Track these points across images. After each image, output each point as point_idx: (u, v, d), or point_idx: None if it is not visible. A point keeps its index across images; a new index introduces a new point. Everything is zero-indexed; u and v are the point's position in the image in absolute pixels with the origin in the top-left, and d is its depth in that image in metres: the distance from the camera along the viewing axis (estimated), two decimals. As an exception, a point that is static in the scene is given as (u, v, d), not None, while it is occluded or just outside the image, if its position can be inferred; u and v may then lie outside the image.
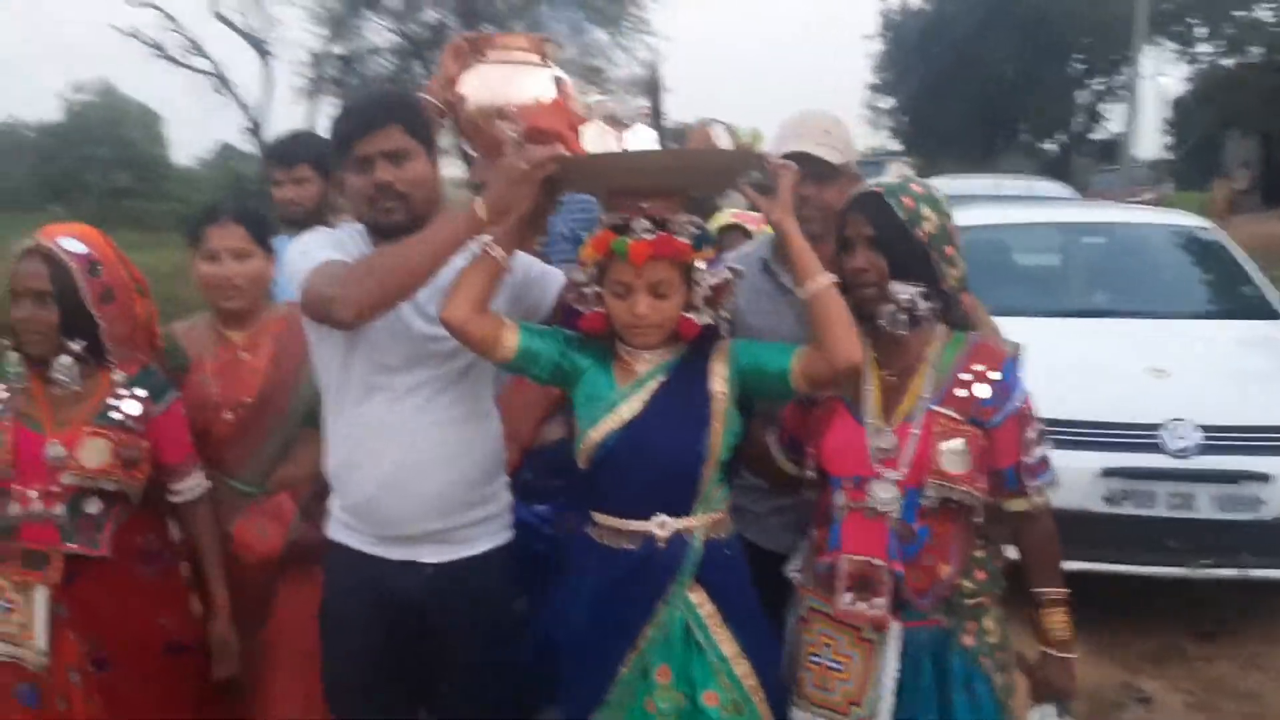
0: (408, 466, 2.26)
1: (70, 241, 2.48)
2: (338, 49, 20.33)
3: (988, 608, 2.23)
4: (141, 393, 2.53)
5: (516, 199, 2.06)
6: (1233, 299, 5.77)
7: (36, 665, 2.40)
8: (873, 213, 2.20)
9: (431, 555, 2.32)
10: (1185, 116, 36.35)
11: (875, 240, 2.18)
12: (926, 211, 2.18)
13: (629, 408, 2.14)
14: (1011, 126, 34.23)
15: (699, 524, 2.16)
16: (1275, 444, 4.31)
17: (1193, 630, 4.43)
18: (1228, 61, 29.39)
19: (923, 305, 2.17)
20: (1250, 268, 5.88)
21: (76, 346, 2.44)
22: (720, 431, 2.15)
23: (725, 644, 2.14)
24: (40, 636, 2.39)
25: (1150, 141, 37.48)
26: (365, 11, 20.27)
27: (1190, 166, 37.28)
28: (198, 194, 28.62)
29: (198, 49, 19.31)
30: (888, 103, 37.11)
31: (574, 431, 2.24)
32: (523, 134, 2.13)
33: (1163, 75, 33.62)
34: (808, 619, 2.25)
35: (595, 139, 2.15)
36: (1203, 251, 6.22)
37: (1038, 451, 2.21)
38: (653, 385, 2.16)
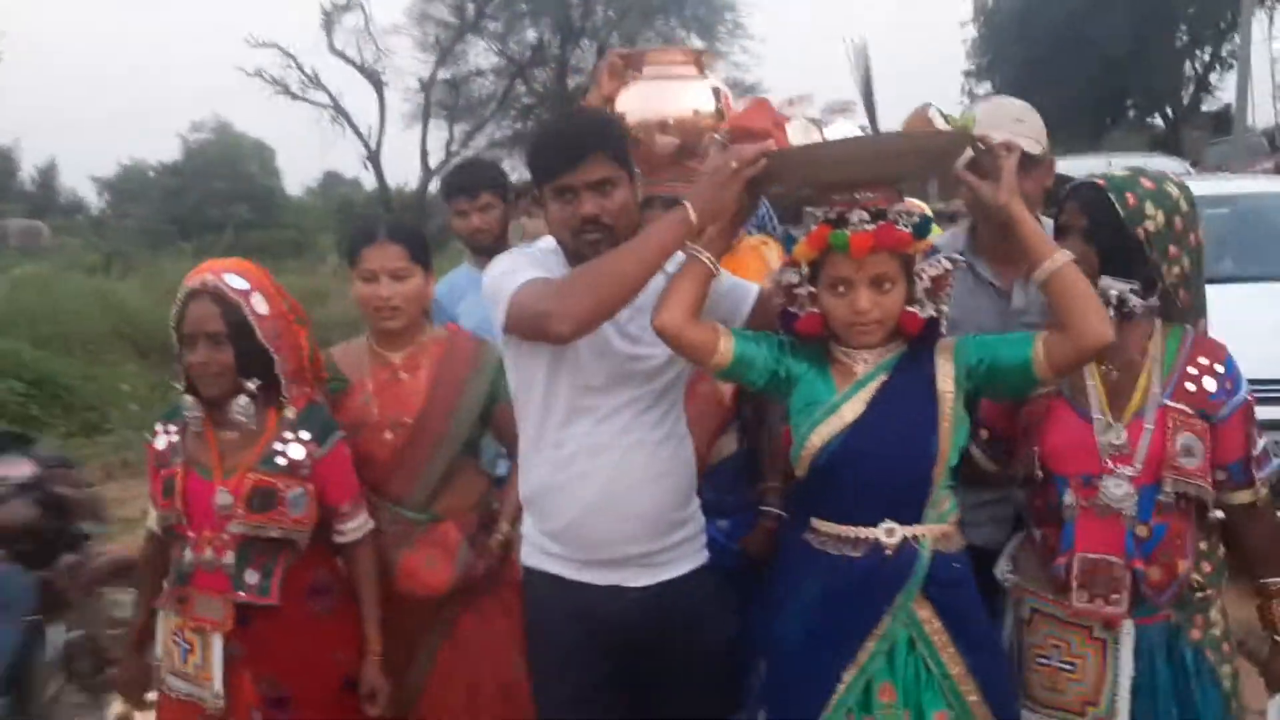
0: (615, 488, 2.21)
1: (233, 278, 2.43)
2: (444, 74, 20.75)
3: (1213, 600, 2.20)
4: (306, 435, 2.46)
5: (726, 200, 2.02)
6: None
7: (213, 707, 2.38)
8: (1089, 205, 2.16)
9: (636, 579, 2.26)
10: (1301, 83, 34.81)
11: (1088, 233, 2.14)
12: (1151, 209, 2.12)
13: (851, 410, 2.06)
14: (1118, 103, 33.15)
15: (928, 532, 2.07)
16: None
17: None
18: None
19: (1134, 301, 2.11)
20: None
21: (253, 385, 2.41)
22: (949, 432, 2.05)
23: (952, 663, 2.06)
24: (216, 679, 2.37)
25: (1264, 110, 36.03)
26: (468, 35, 20.67)
27: (1307, 137, 35.64)
28: (310, 221, 29.48)
29: (317, 83, 19.96)
30: (984, 89, 36.29)
31: (789, 440, 2.16)
32: (728, 135, 2.11)
33: (1275, 39, 32.28)
34: (1031, 621, 2.21)
35: (800, 135, 2.12)
36: None
37: (1261, 443, 2.18)
38: (874, 385, 2.07)
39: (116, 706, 2.66)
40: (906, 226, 2.00)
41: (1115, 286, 2.11)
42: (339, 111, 20.11)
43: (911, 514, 2.06)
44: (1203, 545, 2.17)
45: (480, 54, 21.40)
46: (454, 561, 2.57)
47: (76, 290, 12.13)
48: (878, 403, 2.06)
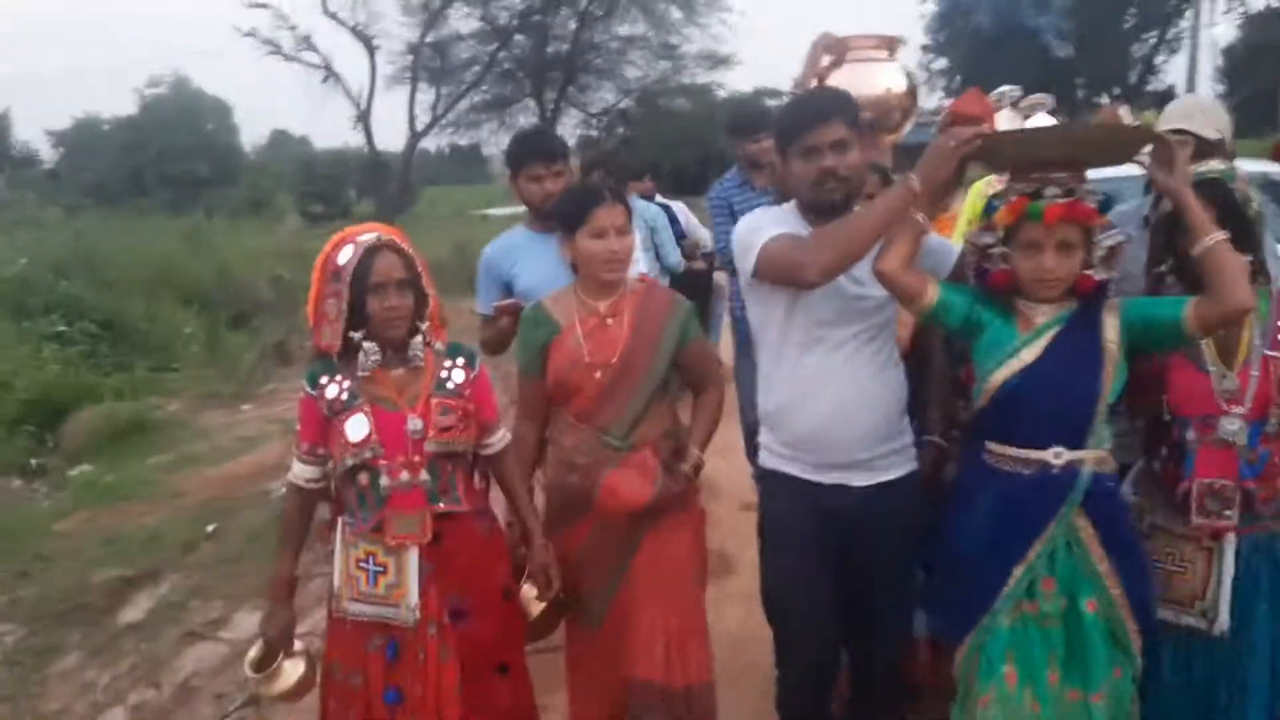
0: (846, 405, 2.65)
1: (395, 237, 2.71)
2: (430, 38, 20.74)
3: None
4: (462, 361, 2.76)
5: (944, 173, 2.38)
6: None
7: (409, 621, 2.60)
8: (1215, 196, 2.51)
9: (858, 480, 2.70)
10: (1238, 66, 36.02)
11: (1216, 221, 2.45)
12: (1252, 194, 2.54)
13: (1030, 353, 2.42)
14: (1067, 83, 33.97)
15: (1089, 456, 2.42)
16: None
17: None
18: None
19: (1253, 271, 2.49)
20: None
21: (424, 325, 2.69)
22: (1111, 376, 2.40)
23: (1099, 562, 2.43)
24: (412, 594, 2.60)
25: (1203, 91, 37.19)
26: (454, 1, 20.68)
27: (1245, 115, 36.87)
28: (267, 180, 29.31)
29: (309, 44, 19.92)
30: (940, 64, 36.98)
31: (971, 377, 2.53)
32: (949, 118, 2.48)
33: (1216, 25, 33.33)
34: (1149, 534, 2.63)
35: (1006, 122, 2.50)
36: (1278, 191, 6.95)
37: None
38: (1050, 334, 2.43)
39: (253, 652, 2.75)
40: (1092, 203, 2.37)
41: (1242, 261, 2.47)
42: (330, 73, 20.06)
43: (1076, 441, 2.41)
44: None
45: (461, 19, 21.46)
46: (654, 482, 2.84)
47: (121, 241, 12.64)
48: (1053, 348, 2.42)
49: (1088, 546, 2.43)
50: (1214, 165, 2.60)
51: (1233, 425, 2.50)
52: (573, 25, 22.06)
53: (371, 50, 20.02)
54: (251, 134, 48.13)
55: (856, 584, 2.79)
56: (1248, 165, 7.66)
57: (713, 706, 2.85)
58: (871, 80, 3.06)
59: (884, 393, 2.71)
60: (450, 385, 2.71)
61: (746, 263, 2.62)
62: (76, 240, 11.92)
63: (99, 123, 29.85)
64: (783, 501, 2.81)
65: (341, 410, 2.63)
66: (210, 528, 6.07)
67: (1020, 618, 2.46)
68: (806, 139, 2.58)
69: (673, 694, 2.77)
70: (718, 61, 24.31)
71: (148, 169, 26.38)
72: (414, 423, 2.62)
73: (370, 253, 2.62)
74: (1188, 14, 23.51)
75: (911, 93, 3.11)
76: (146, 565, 5.51)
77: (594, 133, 25.43)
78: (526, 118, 22.89)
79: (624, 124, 24.70)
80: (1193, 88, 23.57)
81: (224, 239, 15.41)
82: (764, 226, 2.61)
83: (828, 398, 2.67)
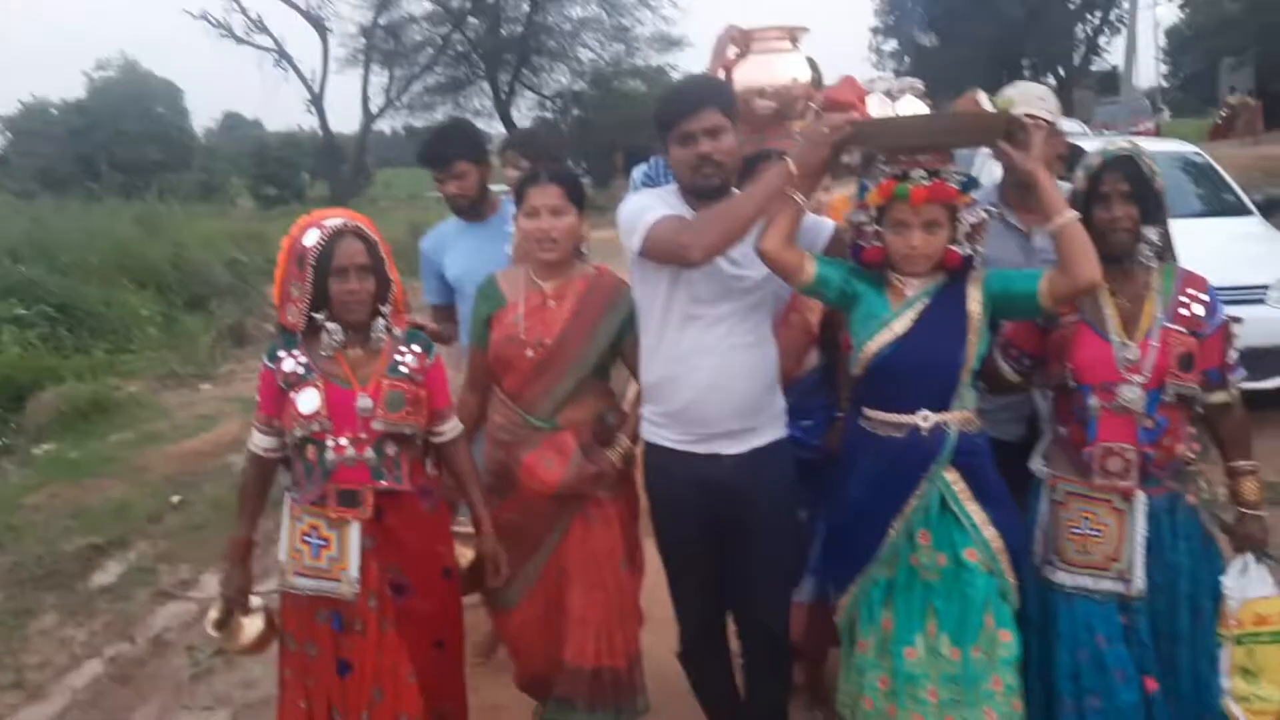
0: (719, 379, 2.80)
1: (360, 224, 2.81)
2: (382, 20, 20.77)
3: (1200, 473, 2.79)
4: (417, 348, 2.85)
5: (818, 157, 2.56)
6: (1218, 202, 7.93)
7: (350, 594, 2.72)
8: (1129, 173, 2.66)
9: (729, 448, 2.85)
10: (1180, 46, 36.81)
11: (1130, 195, 2.66)
12: (1157, 169, 2.71)
13: (901, 324, 2.61)
14: (1014, 62, 34.44)
15: (955, 418, 2.61)
16: (1251, 299, 6.32)
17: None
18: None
19: (1160, 243, 2.71)
20: (1231, 181, 8.17)
21: (386, 309, 2.81)
22: (975, 344, 2.59)
23: (975, 514, 2.61)
24: (353, 565, 2.71)
25: (1146, 71, 38.04)
26: (404, -19, 20.70)
27: (1186, 95, 37.91)
28: (220, 164, 29.14)
29: (261, 27, 19.93)
30: (890, 45, 37.42)
31: (849, 346, 2.73)
32: (823, 105, 2.65)
33: (1158, 5, 34.07)
34: (1064, 501, 2.74)
35: (876, 107, 2.67)
36: (1195, 170, 8.24)
37: (1232, 354, 2.75)
38: (920, 306, 2.61)
39: (213, 612, 2.90)
40: (955, 184, 2.58)
41: (1154, 233, 2.68)
42: (283, 56, 20.09)
43: (942, 404, 2.61)
44: (1191, 430, 2.74)
45: (414, 2, 21.47)
46: (568, 464, 2.94)
47: (76, 225, 12.78)
48: (921, 319, 2.61)
49: (961, 500, 2.63)
50: (1123, 143, 2.76)
51: (1132, 393, 2.63)
52: (525, 7, 22.20)
53: (324, 33, 20.08)
54: (203, 117, 47.62)
55: (735, 549, 2.93)
56: (1169, 146, 8.32)
57: (636, 683, 3.05)
58: (776, 70, 3.23)
59: (756, 368, 2.87)
60: (403, 369, 2.81)
61: (633, 242, 2.75)
62: (35, 227, 12.03)
63: (47, 107, 29.49)
64: (662, 471, 2.95)
65: (296, 383, 2.76)
66: (175, 499, 6.33)
67: (906, 570, 2.66)
68: (682, 126, 2.73)
69: (599, 673, 2.95)
70: (670, 43, 24.79)
71: (98, 153, 26.07)
72: (363, 400, 2.74)
73: (334, 237, 2.74)
74: (1128, -6, 24.04)
75: (816, 82, 3.25)
76: (115, 534, 5.77)
77: (549, 115, 25.58)
78: (480, 100, 23.07)
79: (578, 106, 24.87)
80: (1131, 68, 24.14)
81: (178, 222, 15.50)
82: (650, 207, 2.75)
83: (703, 372, 2.80)
